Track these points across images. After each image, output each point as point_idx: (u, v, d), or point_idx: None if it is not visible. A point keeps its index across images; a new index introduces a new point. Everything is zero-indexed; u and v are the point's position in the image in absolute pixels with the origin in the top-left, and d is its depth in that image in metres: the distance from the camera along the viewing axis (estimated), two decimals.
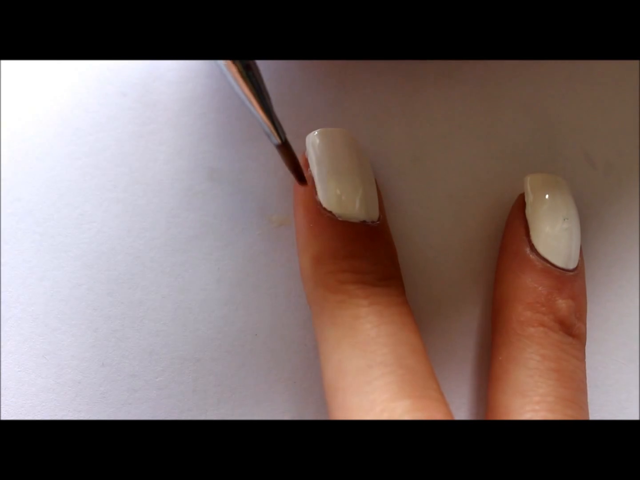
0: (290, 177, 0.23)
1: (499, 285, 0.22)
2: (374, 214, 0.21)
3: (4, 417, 0.22)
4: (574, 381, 0.20)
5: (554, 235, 0.21)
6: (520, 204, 0.22)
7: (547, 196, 0.21)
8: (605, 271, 0.23)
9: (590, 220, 0.23)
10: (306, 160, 0.21)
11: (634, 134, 0.24)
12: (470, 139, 0.23)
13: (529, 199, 0.21)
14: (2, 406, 0.22)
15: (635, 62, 0.24)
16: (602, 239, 0.23)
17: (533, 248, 0.21)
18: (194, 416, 0.22)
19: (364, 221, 0.20)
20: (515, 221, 0.22)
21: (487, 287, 0.23)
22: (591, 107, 0.24)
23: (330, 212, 0.20)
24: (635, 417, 0.22)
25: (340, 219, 0.20)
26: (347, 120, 0.23)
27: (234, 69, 0.17)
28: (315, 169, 0.21)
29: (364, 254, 0.20)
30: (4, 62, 0.23)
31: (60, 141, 0.23)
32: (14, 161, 0.23)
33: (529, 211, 0.21)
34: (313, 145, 0.21)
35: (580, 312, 0.21)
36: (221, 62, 0.16)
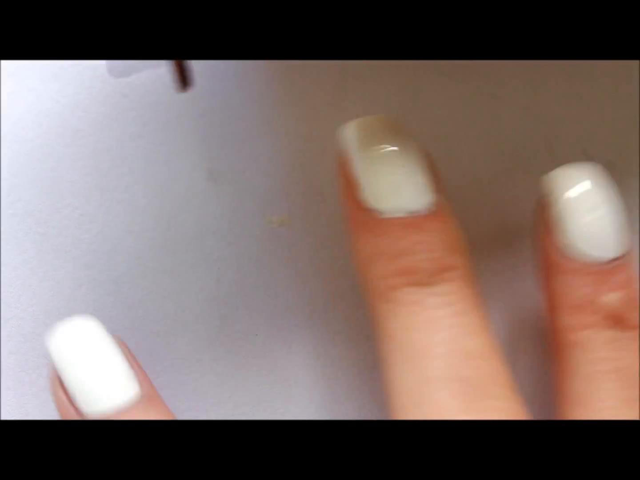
0: (292, 177, 0.23)
1: (544, 298, 0.20)
2: (424, 201, 0.19)
3: (4, 417, 0.22)
4: (636, 377, 0.18)
5: (585, 228, 0.19)
6: (544, 205, 0.20)
7: (570, 190, 0.19)
8: None
9: None
10: (345, 158, 0.20)
11: (634, 134, 0.24)
12: (470, 139, 0.23)
13: (551, 197, 0.19)
14: (2, 406, 0.22)
15: (635, 62, 0.24)
16: None
17: (566, 248, 0.19)
18: (194, 416, 0.22)
19: (412, 212, 0.18)
20: (541, 225, 0.20)
21: (486, 287, 0.23)
22: (591, 107, 0.24)
23: (374, 209, 0.19)
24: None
25: (384, 215, 0.18)
26: (347, 121, 0.23)
27: None
28: (353, 165, 0.19)
29: (414, 249, 0.18)
30: (4, 62, 0.23)
31: (61, 142, 0.23)
32: (14, 162, 0.23)
33: (554, 210, 0.19)
34: (348, 141, 0.19)
35: (633, 300, 0.19)
36: None
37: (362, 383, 0.22)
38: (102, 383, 0.19)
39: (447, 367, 0.17)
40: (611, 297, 0.18)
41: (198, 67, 0.23)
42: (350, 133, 0.19)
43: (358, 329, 0.22)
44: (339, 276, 0.23)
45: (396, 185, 0.19)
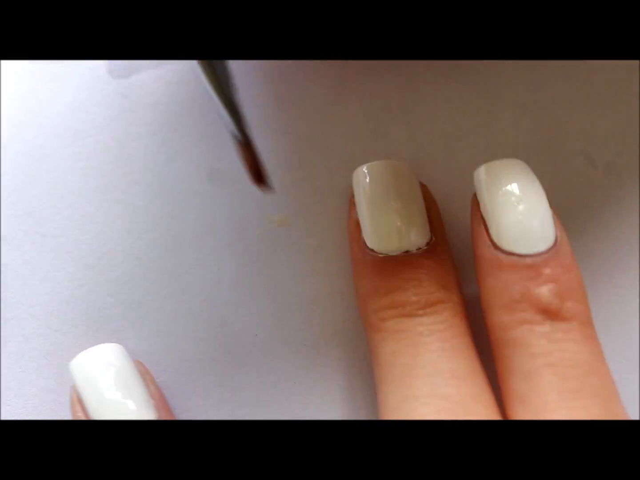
0: (292, 176, 0.23)
1: (479, 294, 0.20)
2: (418, 241, 0.20)
3: (5, 417, 0.22)
4: (575, 367, 0.18)
5: (511, 223, 0.19)
6: (475, 203, 0.20)
7: (495, 185, 0.19)
8: (605, 271, 0.23)
9: (590, 220, 0.23)
10: (353, 199, 0.21)
11: (634, 134, 0.24)
12: (470, 139, 0.23)
13: (478, 195, 0.20)
14: (2, 406, 0.22)
15: (635, 62, 0.24)
16: (602, 239, 0.23)
17: (495, 245, 0.19)
18: (194, 417, 0.22)
19: (407, 251, 0.20)
20: (473, 223, 0.20)
21: None
22: (591, 107, 0.24)
23: (372, 249, 0.20)
24: (636, 417, 0.22)
25: (381, 255, 0.20)
26: (347, 120, 0.23)
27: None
28: (358, 208, 0.21)
29: (404, 285, 0.19)
30: (4, 62, 0.23)
31: (61, 142, 0.23)
32: (15, 163, 0.23)
33: (482, 208, 0.20)
34: (357, 184, 0.21)
35: (567, 291, 0.19)
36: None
37: (361, 383, 0.22)
38: (120, 410, 0.19)
39: (431, 386, 0.18)
40: (542, 291, 0.18)
41: (198, 67, 0.23)
42: (359, 177, 0.21)
43: (358, 329, 0.22)
44: (339, 276, 0.23)
45: (392, 228, 0.20)
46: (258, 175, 0.18)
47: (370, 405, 0.22)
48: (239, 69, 0.23)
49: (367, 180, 0.20)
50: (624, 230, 0.23)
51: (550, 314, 0.18)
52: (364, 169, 0.21)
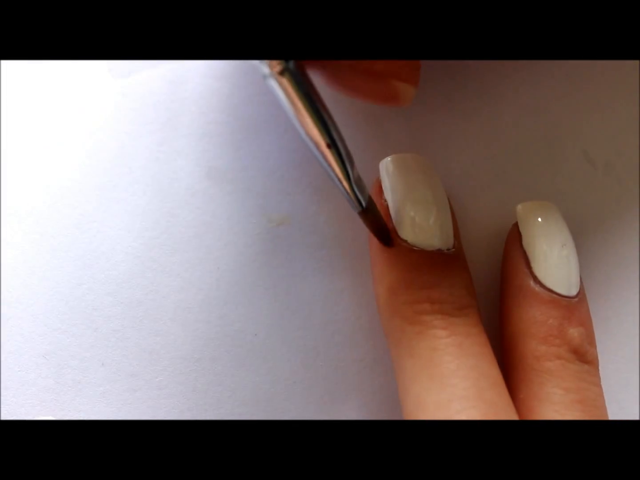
0: (291, 175, 0.23)
1: (507, 321, 0.21)
2: (449, 242, 0.20)
3: (4, 417, 0.22)
4: (598, 409, 0.19)
5: (555, 264, 0.20)
6: (515, 235, 0.21)
7: (542, 225, 0.21)
8: (605, 271, 0.23)
9: (589, 220, 0.23)
10: (380, 187, 0.21)
11: (634, 134, 0.24)
12: (470, 139, 0.23)
13: (524, 229, 0.21)
14: (2, 406, 0.22)
15: (635, 62, 0.24)
16: (601, 239, 0.23)
17: (537, 280, 0.20)
18: (194, 416, 0.22)
19: (439, 249, 0.20)
20: (513, 253, 0.21)
21: (487, 286, 0.23)
22: (591, 107, 0.24)
23: (405, 240, 0.20)
24: (635, 417, 0.22)
25: (415, 247, 0.20)
26: (348, 120, 0.23)
27: (317, 137, 0.17)
28: (389, 197, 0.21)
29: (440, 283, 0.20)
30: (4, 62, 0.23)
31: (60, 141, 0.23)
32: (14, 161, 0.23)
33: (526, 242, 0.21)
34: (387, 172, 0.21)
35: (590, 337, 0.20)
36: (304, 134, 0.17)
37: (361, 383, 0.22)
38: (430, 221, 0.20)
39: (475, 390, 0.18)
40: (575, 332, 0.20)
41: (198, 67, 0.23)
42: (387, 166, 0.21)
43: (357, 328, 0.22)
44: (338, 276, 0.23)
45: (434, 223, 0.20)
46: (384, 237, 0.20)
47: (370, 405, 0.22)
48: (239, 68, 0.23)
49: (405, 171, 0.21)
50: (624, 229, 0.23)
51: (578, 354, 0.20)
52: (402, 157, 0.21)
